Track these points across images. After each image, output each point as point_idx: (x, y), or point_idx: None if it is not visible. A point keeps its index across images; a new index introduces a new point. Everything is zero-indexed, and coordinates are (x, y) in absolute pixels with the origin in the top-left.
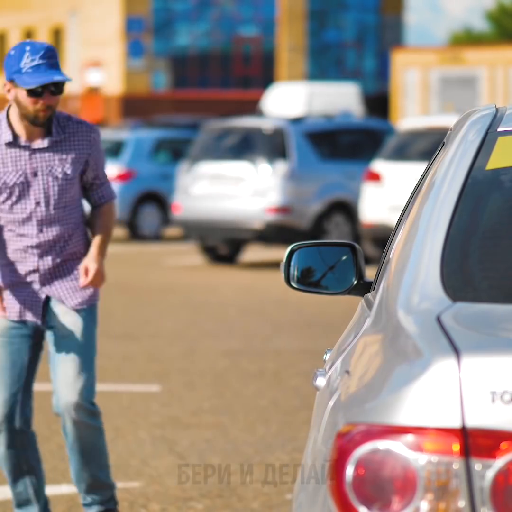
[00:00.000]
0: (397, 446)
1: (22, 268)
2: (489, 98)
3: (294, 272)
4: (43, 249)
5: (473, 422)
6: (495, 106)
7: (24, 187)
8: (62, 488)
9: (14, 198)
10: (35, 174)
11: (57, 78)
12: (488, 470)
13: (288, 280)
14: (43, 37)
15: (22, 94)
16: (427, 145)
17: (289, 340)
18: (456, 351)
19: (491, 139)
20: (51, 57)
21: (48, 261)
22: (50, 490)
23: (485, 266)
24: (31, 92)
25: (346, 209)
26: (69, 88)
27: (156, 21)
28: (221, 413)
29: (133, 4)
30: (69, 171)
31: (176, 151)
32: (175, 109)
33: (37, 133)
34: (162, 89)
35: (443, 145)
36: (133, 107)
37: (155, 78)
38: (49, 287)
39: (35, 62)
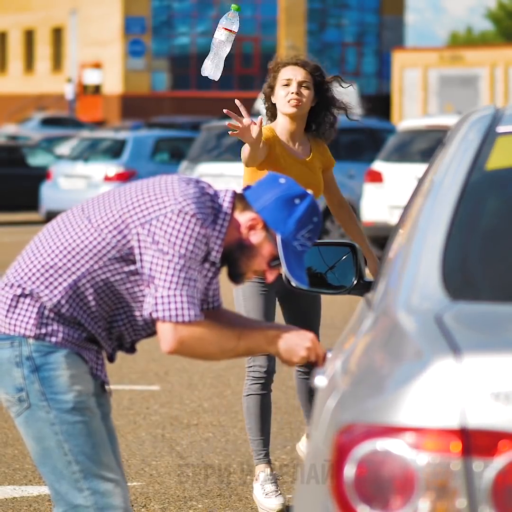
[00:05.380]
0: (397, 446)
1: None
2: (489, 98)
3: None
4: None
5: (473, 422)
6: (495, 106)
7: None
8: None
9: None
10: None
11: (307, 282)
12: (488, 470)
13: (288, 280)
14: (43, 37)
15: (264, 254)
16: (427, 145)
17: None
18: (456, 351)
19: (491, 139)
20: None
21: None
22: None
23: (485, 266)
24: (272, 265)
25: None
26: (68, 88)
27: (156, 21)
28: (221, 413)
29: (133, 4)
30: None
31: (176, 151)
32: (175, 109)
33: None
34: (162, 89)
35: (443, 145)
36: (133, 107)
37: (155, 78)
38: None
39: (305, 247)
